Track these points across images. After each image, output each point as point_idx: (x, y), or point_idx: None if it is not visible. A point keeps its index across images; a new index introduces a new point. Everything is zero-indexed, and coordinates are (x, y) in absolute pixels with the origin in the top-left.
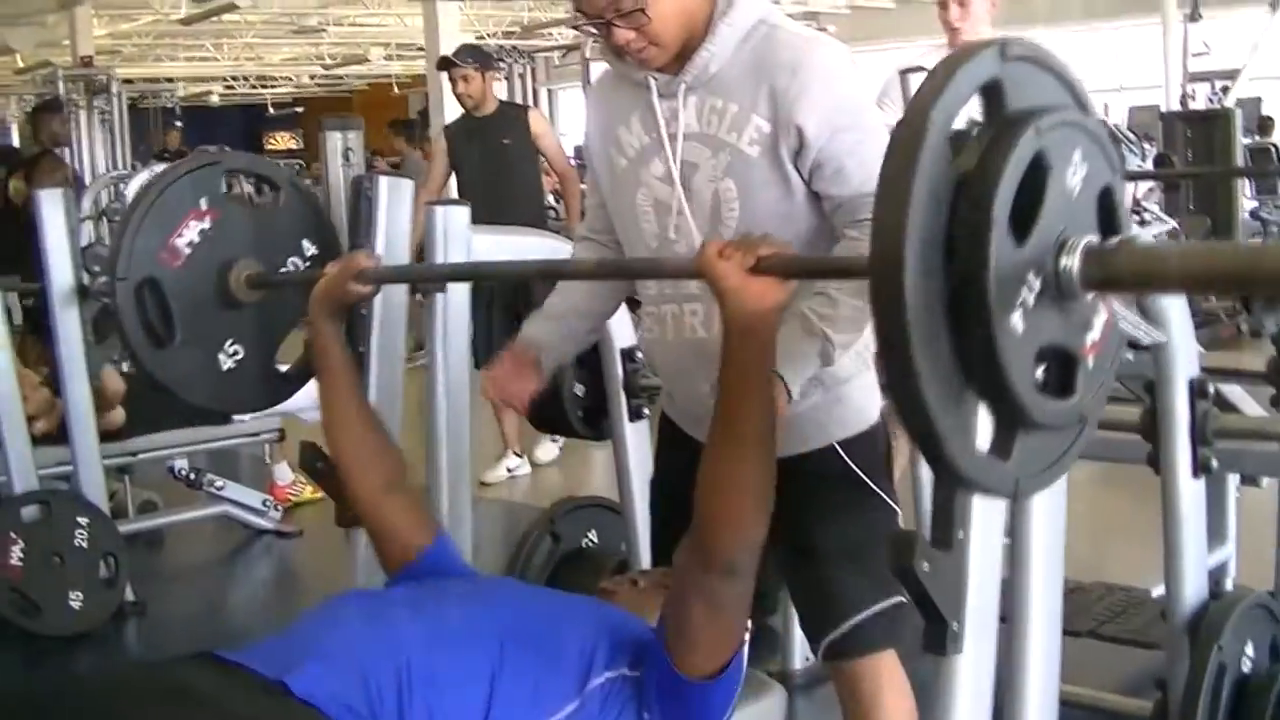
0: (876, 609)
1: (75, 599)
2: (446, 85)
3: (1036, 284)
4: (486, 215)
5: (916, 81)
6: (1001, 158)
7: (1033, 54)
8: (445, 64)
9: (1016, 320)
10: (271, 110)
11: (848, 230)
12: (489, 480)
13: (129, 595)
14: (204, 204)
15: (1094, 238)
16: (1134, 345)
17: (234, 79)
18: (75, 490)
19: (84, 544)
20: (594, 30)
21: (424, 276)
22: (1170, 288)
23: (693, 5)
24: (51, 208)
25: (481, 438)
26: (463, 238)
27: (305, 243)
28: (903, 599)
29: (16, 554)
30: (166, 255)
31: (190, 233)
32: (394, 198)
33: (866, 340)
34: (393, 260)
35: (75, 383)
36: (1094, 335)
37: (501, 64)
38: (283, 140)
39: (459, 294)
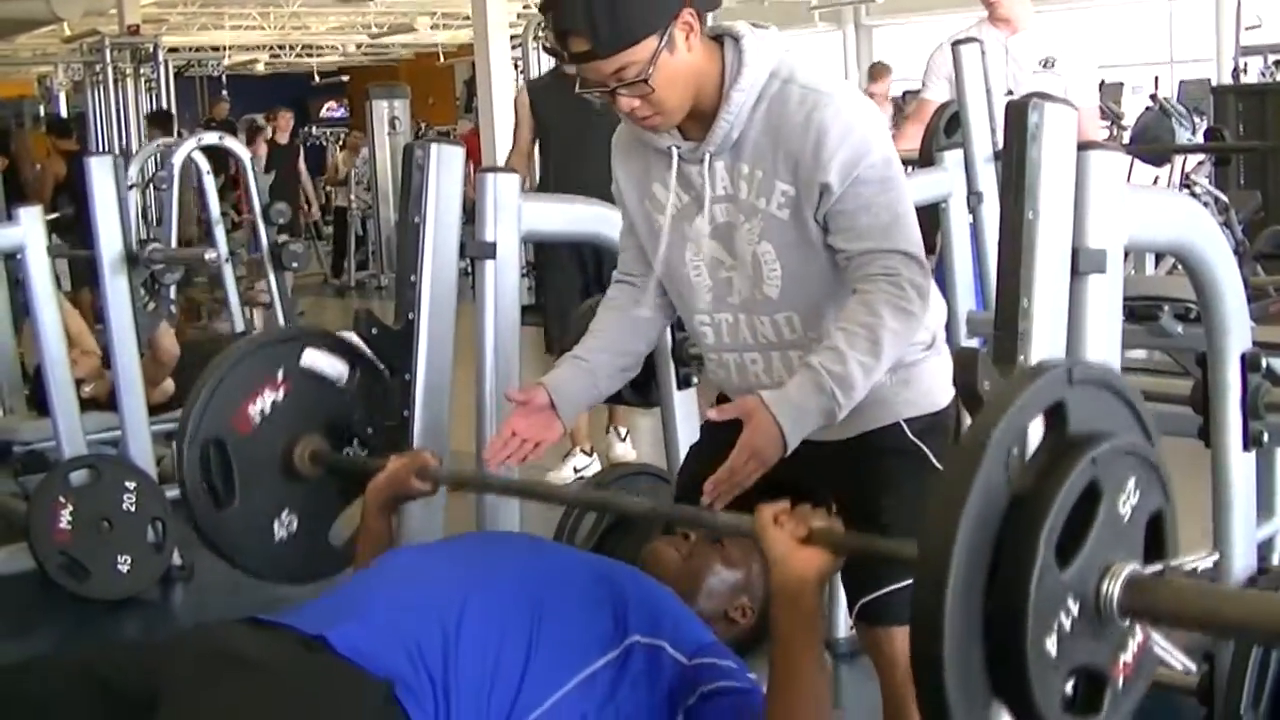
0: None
1: (123, 563)
2: (494, 55)
3: (1075, 608)
4: (576, 183)
5: (967, 54)
6: (1055, 487)
7: (1099, 378)
8: (550, 5)
9: (1050, 644)
10: (318, 79)
11: (860, 286)
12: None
13: (176, 560)
14: (279, 375)
15: (1138, 566)
16: (1181, 318)
17: (280, 48)
18: (123, 455)
19: (132, 508)
20: (598, 99)
21: (488, 486)
22: (1210, 630)
23: (699, 70)
24: (101, 174)
25: None
26: (513, 207)
27: (370, 427)
28: None
29: (65, 518)
30: (237, 420)
31: (263, 401)
32: (445, 166)
33: (937, 325)
34: (444, 229)
35: (124, 349)
36: (1127, 656)
37: None
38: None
39: (508, 262)
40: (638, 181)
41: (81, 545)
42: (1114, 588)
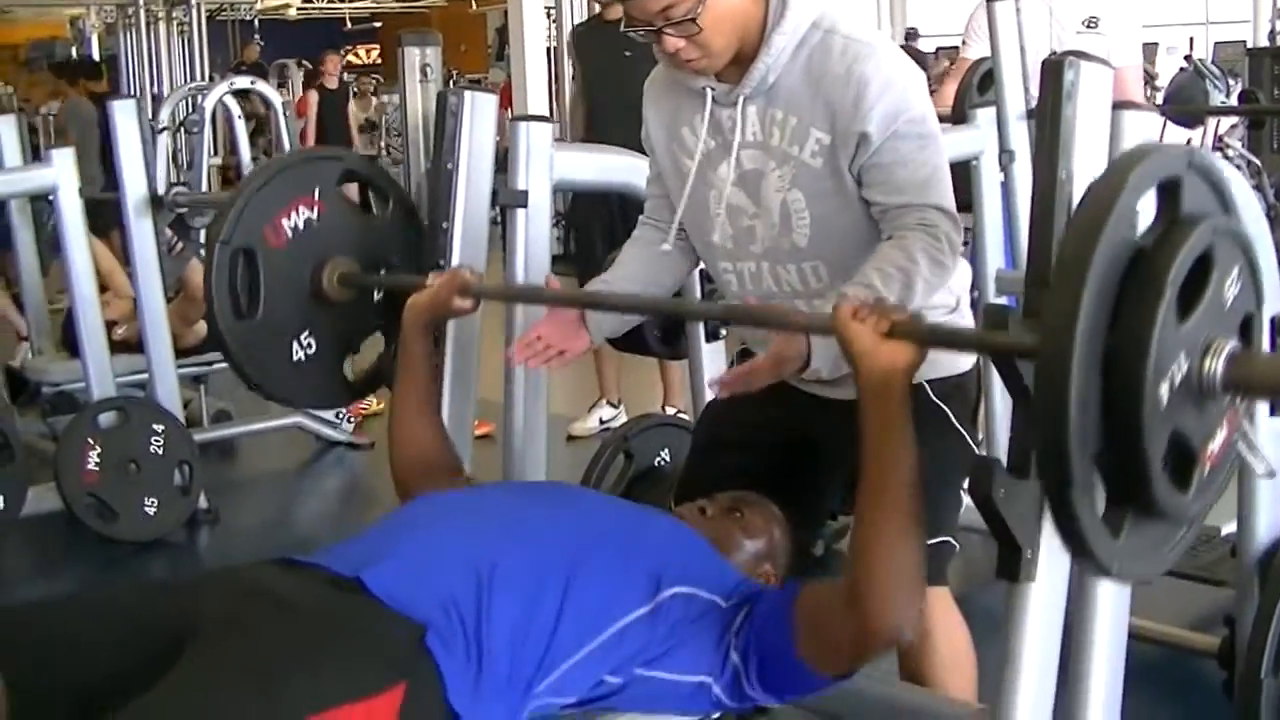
0: (928, 543)
1: (150, 505)
2: (526, 2)
3: (1184, 367)
4: (609, 133)
5: (1002, 12)
6: (1181, 238)
7: (1213, 172)
8: None
9: (1164, 392)
10: (349, 25)
11: (899, 233)
12: (578, 433)
13: (202, 503)
14: (316, 193)
15: (1238, 344)
16: None
17: None
18: (151, 398)
19: (159, 451)
20: (644, 37)
21: (530, 298)
22: None
23: (745, 13)
24: (125, 117)
25: (572, 382)
26: (545, 155)
27: (399, 259)
28: (951, 539)
29: (94, 460)
30: (270, 232)
31: (298, 217)
32: (479, 113)
33: (961, 289)
34: (476, 176)
35: (149, 291)
36: (1214, 446)
37: None
38: (365, 55)
39: (540, 211)
40: (667, 125)
41: (109, 487)
42: (1217, 363)
